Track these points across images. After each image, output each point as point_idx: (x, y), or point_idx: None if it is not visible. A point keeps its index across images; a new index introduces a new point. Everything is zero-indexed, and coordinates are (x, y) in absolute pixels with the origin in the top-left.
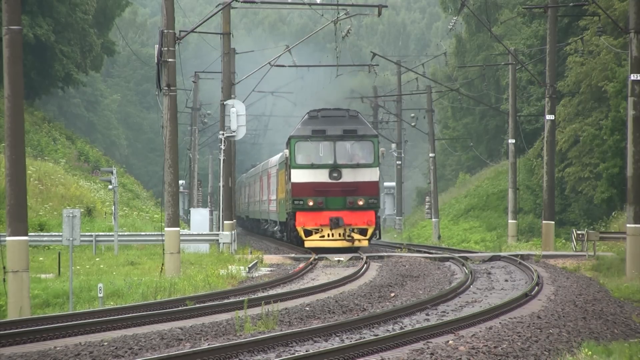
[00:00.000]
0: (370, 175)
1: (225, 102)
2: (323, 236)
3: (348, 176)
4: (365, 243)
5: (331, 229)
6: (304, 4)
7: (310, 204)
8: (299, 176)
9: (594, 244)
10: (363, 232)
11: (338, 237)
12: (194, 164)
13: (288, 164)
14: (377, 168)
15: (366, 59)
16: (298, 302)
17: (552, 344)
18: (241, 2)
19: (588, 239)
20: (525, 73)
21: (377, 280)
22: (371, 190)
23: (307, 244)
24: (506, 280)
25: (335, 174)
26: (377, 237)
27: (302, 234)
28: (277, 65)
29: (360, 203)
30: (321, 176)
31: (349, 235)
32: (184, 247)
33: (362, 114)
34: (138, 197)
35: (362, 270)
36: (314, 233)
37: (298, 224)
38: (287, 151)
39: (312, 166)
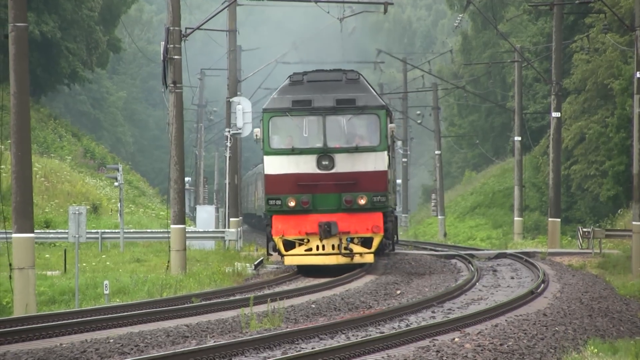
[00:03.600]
0: (375, 162)
1: (231, 99)
2: (310, 249)
3: (344, 164)
4: (369, 258)
5: (321, 240)
6: (309, 0)
7: (292, 204)
8: (274, 166)
9: (599, 242)
10: (367, 242)
11: (331, 251)
12: (200, 161)
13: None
14: (385, 152)
15: (372, 56)
16: (304, 299)
17: (558, 342)
18: None
19: (594, 237)
20: (531, 70)
21: (383, 277)
22: (377, 183)
23: (288, 261)
24: (512, 278)
25: (325, 162)
26: (391, 247)
27: (280, 246)
28: (283, 63)
29: (362, 202)
30: (306, 165)
31: (346, 248)
32: (190, 245)
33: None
34: (144, 194)
35: (368, 267)
36: (297, 245)
37: (275, 233)
38: (258, 130)
39: (293, 151)
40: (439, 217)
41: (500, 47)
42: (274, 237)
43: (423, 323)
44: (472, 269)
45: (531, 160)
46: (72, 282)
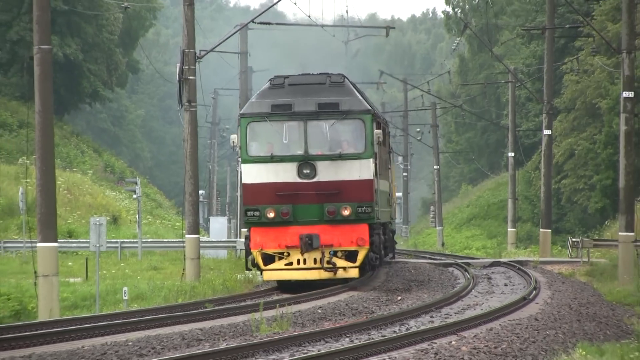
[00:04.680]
0: (360, 170)
1: None
2: (290, 263)
3: (326, 173)
4: (354, 273)
5: (302, 253)
6: (316, 25)
7: (271, 215)
8: (252, 174)
9: (588, 251)
10: (351, 256)
11: (313, 265)
12: (213, 175)
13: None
14: (371, 160)
15: (375, 76)
16: (310, 304)
17: (549, 345)
18: (257, 24)
19: (583, 246)
20: (524, 90)
21: (384, 284)
22: (362, 192)
23: (267, 276)
24: (505, 285)
25: (306, 170)
26: (390, 256)
27: (259, 260)
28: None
29: (346, 213)
30: (286, 174)
31: (328, 262)
32: (204, 253)
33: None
34: (161, 206)
35: (371, 275)
36: (277, 259)
37: (254, 246)
38: (235, 137)
39: (272, 159)
40: (437, 227)
41: (495, 69)
42: (252, 250)
43: (422, 327)
44: (468, 276)
45: (524, 174)
46: (93, 289)
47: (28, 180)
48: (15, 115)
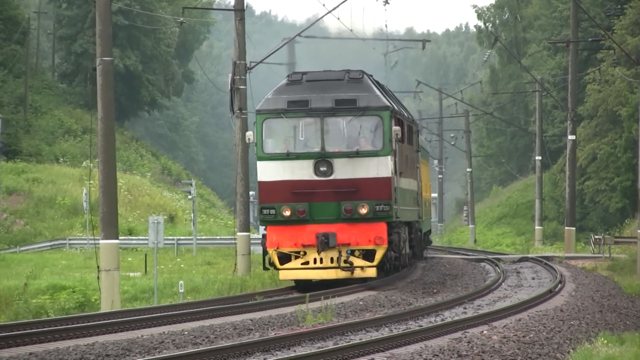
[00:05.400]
0: (377, 168)
1: None
2: (307, 262)
3: (343, 171)
4: (371, 272)
5: (319, 252)
6: (357, 38)
7: (287, 214)
8: (268, 172)
9: (609, 247)
10: (369, 255)
11: (329, 264)
12: None
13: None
14: (389, 157)
15: (412, 86)
16: (353, 297)
17: (573, 334)
18: (303, 37)
19: (604, 243)
20: (550, 99)
21: (421, 278)
22: (380, 190)
23: (283, 275)
24: (533, 279)
25: (323, 168)
26: (400, 262)
27: (275, 259)
28: None
29: (363, 211)
30: (302, 171)
31: (345, 261)
32: (254, 249)
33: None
34: (214, 206)
35: (409, 270)
36: (293, 258)
37: (270, 245)
38: (250, 133)
39: (288, 156)
40: (470, 226)
41: (523, 79)
42: (268, 249)
43: (456, 318)
44: (499, 270)
45: (550, 176)
46: (151, 282)
47: (91, 182)
48: (80, 122)
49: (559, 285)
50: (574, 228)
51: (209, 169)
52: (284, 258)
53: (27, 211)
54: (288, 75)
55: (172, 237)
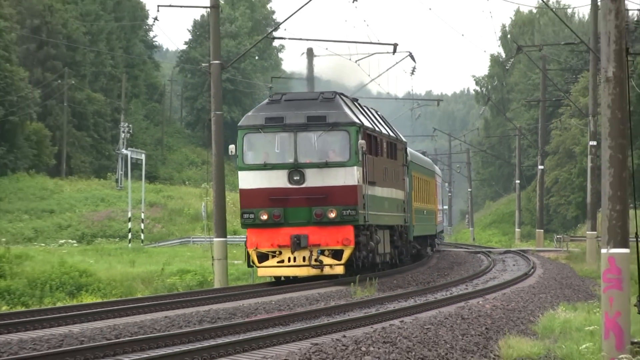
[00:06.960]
0: (345, 177)
1: None
2: (282, 261)
3: (314, 179)
4: (339, 270)
5: (292, 252)
6: (391, 98)
7: (264, 217)
8: (248, 180)
9: (567, 244)
10: (337, 255)
11: (302, 263)
12: None
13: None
14: (355, 167)
15: (430, 132)
16: (389, 279)
17: (542, 304)
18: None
19: (563, 241)
20: (526, 140)
21: (436, 265)
22: (347, 197)
23: (261, 272)
24: (514, 265)
25: (296, 177)
26: (369, 260)
27: (254, 258)
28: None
29: (332, 215)
30: (278, 180)
31: (316, 260)
32: None
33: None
34: None
35: (428, 259)
36: (270, 257)
37: (250, 245)
38: (233, 147)
39: (265, 166)
40: (470, 228)
41: (507, 127)
42: (248, 249)
43: (460, 292)
44: (490, 260)
45: (526, 194)
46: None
47: (208, 197)
48: (200, 157)
49: (532, 270)
50: (542, 230)
51: None
52: (262, 257)
53: (163, 218)
54: (270, 96)
55: None
